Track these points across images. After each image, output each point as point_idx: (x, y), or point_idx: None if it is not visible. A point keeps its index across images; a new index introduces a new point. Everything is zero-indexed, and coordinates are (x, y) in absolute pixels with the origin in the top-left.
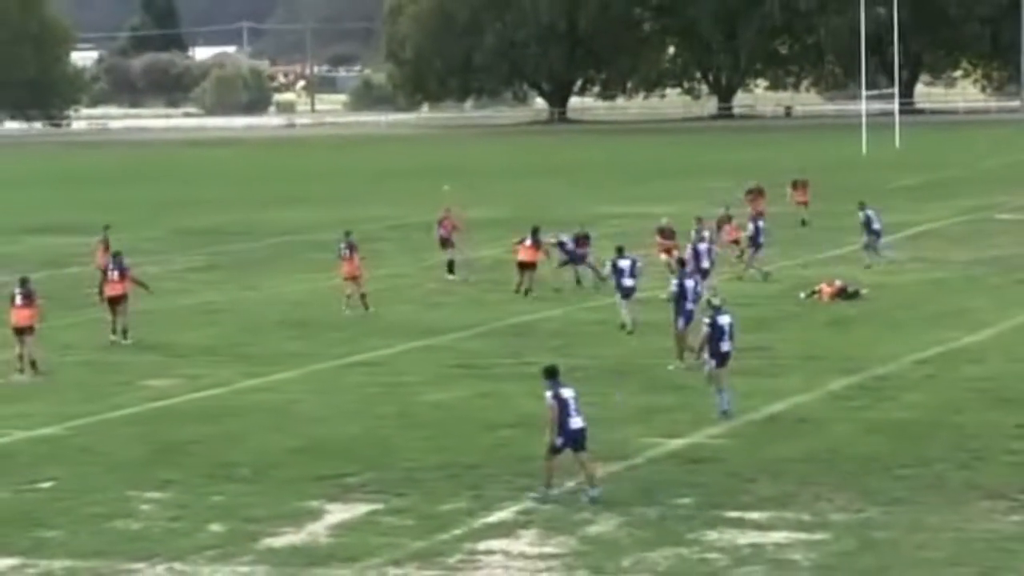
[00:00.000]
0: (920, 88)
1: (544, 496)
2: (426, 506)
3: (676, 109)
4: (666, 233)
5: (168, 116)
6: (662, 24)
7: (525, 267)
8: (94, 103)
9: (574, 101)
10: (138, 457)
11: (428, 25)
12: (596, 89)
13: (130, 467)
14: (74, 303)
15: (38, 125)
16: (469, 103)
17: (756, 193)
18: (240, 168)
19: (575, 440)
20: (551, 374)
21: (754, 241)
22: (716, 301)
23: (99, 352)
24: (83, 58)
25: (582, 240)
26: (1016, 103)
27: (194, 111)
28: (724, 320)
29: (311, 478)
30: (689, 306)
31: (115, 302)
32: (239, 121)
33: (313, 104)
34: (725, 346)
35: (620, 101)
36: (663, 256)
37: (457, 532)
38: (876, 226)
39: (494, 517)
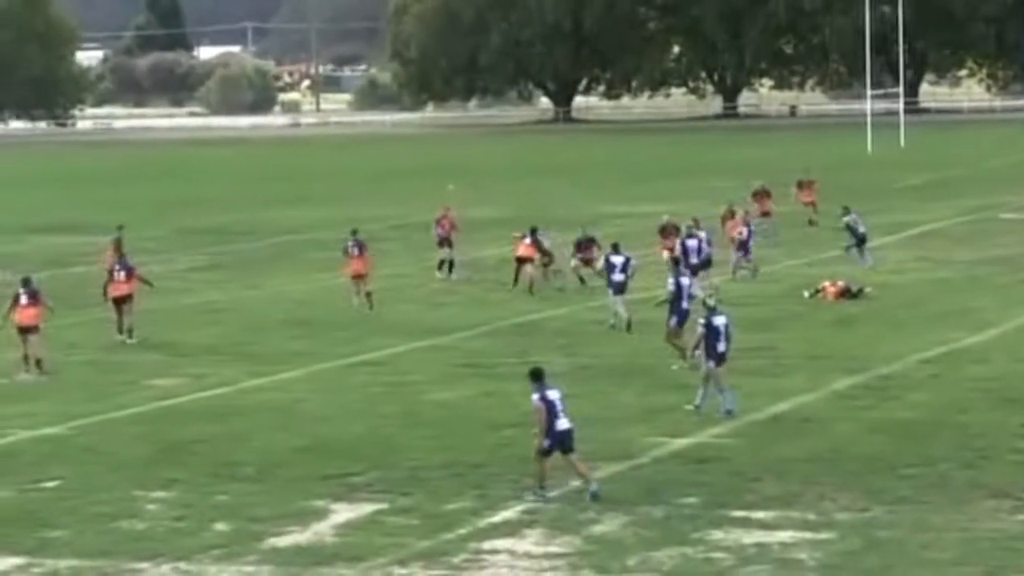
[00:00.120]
0: (925, 87)
1: (540, 498)
2: (431, 505)
3: (681, 108)
4: (667, 231)
5: (173, 116)
6: (667, 23)
7: (522, 262)
8: (99, 102)
9: (579, 100)
10: (143, 456)
11: (433, 24)
12: (601, 88)
13: (135, 466)
14: (78, 302)
15: (43, 124)
16: (474, 102)
17: (762, 194)
18: (244, 168)
19: (562, 442)
20: (537, 376)
21: (743, 245)
22: (711, 302)
23: (103, 352)
24: (88, 57)
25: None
26: (1021, 102)
27: (199, 111)
28: (719, 321)
29: (316, 477)
30: (684, 305)
31: (121, 302)
32: (244, 121)
33: (318, 104)
34: (721, 346)
35: (625, 100)
36: (665, 254)
37: (462, 532)
38: (861, 230)
39: (499, 516)
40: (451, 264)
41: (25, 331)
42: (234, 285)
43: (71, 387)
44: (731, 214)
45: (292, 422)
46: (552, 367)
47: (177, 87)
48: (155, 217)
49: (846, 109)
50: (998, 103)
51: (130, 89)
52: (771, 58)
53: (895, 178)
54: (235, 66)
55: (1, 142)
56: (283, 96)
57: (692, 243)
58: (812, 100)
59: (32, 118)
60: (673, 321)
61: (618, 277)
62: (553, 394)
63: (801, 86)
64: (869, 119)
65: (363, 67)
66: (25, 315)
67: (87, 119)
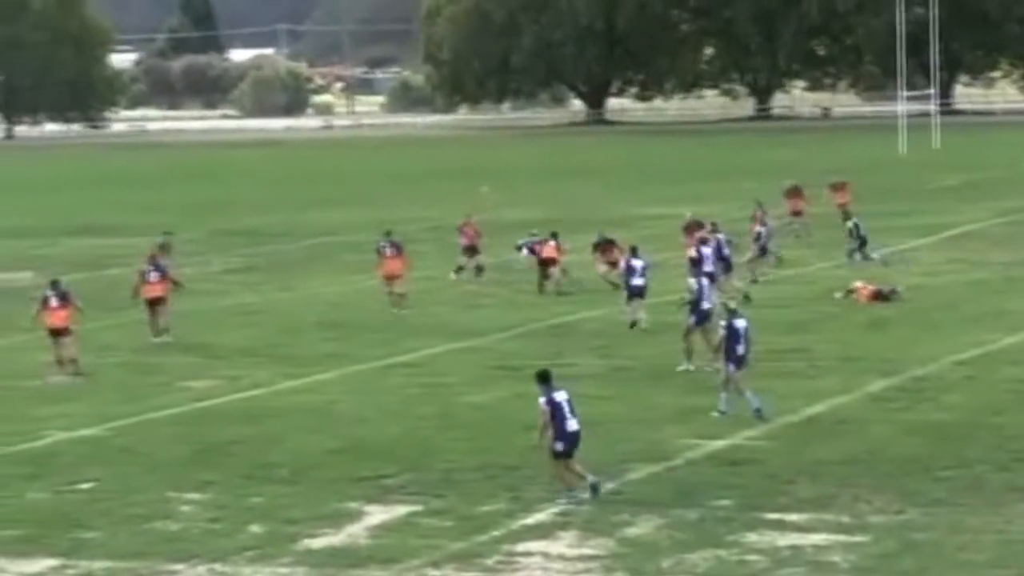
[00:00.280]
0: (959, 89)
1: (573, 500)
2: (465, 507)
3: (714, 110)
4: (692, 228)
5: (206, 118)
6: (699, 25)
7: (547, 264)
8: (132, 105)
9: (611, 102)
10: (178, 458)
11: (465, 26)
12: (633, 90)
13: (170, 468)
14: (113, 304)
15: (77, 127)
16: (506, 104)
17: (794, 192)
18: (277, 170)
19: (574, 443)
20: (544, 379)
21: (757, 241)
22: (732, 304)
23: (138, 353)
24: (122, 60)
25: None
26: None
27: (232, 113)
28: (740, 324)
29: (350, 479)
30: (705, 305)
31: (155, 303)
32: (277, 123)
33: (351, 106)
34: (740, 349)
35: (658, 102)
36: (692, 251)
37: (496, 534)
38: (862, 233)
39: (532, 519)
40: (479, 268)
41: (57, 333)
42: (268, 287)
43: (107, 389)
44: (762, 213)
45: (326, 424)
46: (587, 369)
47: (210, 89)
48: (189, 219)
49: (879, 111)
50: None
51: (163, 91)
52: (804, 60)
53: (929, 179)
54: (268, 68)
55: (36, 144)
56: (316, 98)
57: (707, 250)
58: (845, 102)
59: (66, 120)
60: (692, 320)
61: (637, 282)
62: (560, 396)
63: (834, 88)
64: (902, 120)
65: (396, 69)
66: (56, 317)
67: (121, 121)
